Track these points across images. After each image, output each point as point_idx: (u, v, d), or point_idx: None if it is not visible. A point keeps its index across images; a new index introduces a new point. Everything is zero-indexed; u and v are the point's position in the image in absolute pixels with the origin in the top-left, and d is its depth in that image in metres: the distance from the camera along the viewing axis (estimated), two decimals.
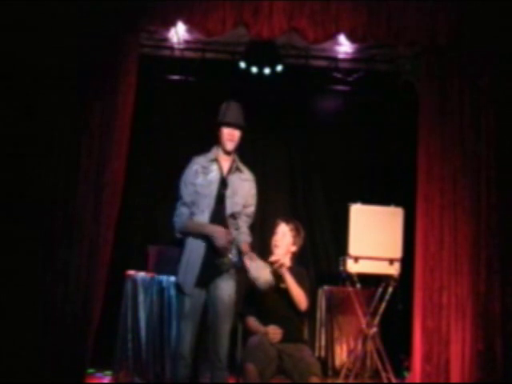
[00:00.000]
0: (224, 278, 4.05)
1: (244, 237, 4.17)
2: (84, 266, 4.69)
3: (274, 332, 4.12)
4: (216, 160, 4.15)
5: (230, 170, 4.16)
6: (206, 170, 4.10)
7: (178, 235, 4.11)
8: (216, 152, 4.18)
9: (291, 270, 4.36)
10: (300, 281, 4.29)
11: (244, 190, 4.18)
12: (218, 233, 3.97)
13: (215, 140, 4.25)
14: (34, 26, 4.76)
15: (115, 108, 4.86)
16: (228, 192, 4.09)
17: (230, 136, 4.14)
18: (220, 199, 4.08)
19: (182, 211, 4.08)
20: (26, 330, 4.53)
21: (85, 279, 4.69)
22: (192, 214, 4.07)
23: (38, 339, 4.54)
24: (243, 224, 4.20)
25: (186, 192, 4.08)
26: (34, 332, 4.54)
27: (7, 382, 4.40)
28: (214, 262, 4.02)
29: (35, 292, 4.58)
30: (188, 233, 4.06)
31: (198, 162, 4.14)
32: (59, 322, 4.60)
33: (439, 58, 5.07)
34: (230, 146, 4.15)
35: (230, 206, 4.09)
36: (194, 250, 4.02)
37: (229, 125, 4.12)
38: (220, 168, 4.13)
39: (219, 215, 4.06)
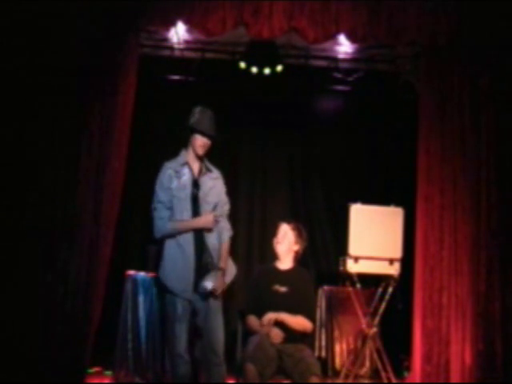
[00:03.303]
0: (210, 274, 4.09)
1: (225, 234, 4.23)
2: (84, 265, 4.69)
3: (276, 334, 4.11)
4: (187, 163, 4.22)
5: (201, 172, 4.24)
6: (178, 174, 4.18)
7: (159, 237, 4.16)
8: (186, 155, 4.25)
9: (294, 271, 4.36)
10: (306, 288, 4.33)
11: (216, 189, 4.27)
12: (207, 220, 4.10)
13: (184, 143, 4.29)
14: (34, 26, 4.76)
15: (115, 108, 4.86)
16: (201, 193, 4.18)
17: (203, 143, 4.22)
18: (194, 201, 4.16)
19: (164, 214, 4.13)
20: (26, 329, 4.52)
21: (85, 279, 4.68)
22: (170, 218, 4.12)
23: (38, 339, 4.54)
24: (222, 219, 4.26)
25: (164, 196, 4.15)
26: (34, 332, 4.54)
27: (7, 382, 4.40)
28: (202, 263, 4.06)
29: (35, 292, 4.58)
30: (175, 233, 4.10)
31: (170, 167, 4.21)
32: (59, 322, 4.60)
33: (439, 58, 5.08)
34: (202, 151, 4.23)
35: (203, 208, 4.17)
36: (181, 256, 4.06)
37: (204, 134, 4.20)
38: (191, 170, 4.21)
39: (195, 217, 4.14)
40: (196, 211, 4.15)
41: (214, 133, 4.23)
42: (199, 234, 4.12)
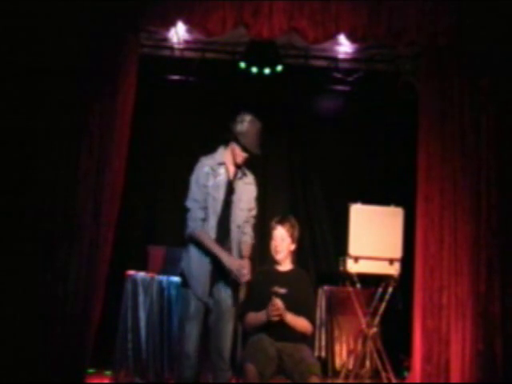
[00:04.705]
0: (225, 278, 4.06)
1: (247, 238, 4.18)
2: (84, 265, 4.69)
3: (274, 305, 4.07)
4: (224, 164, 4.10)
5: (236, 175, 4.14)
6: (214, 173, 4.05)
7: (188, 239, 4.05)
8: (224, 155, 4.13)
9: (293, 272, 4.35)
10: (306, 290, 4.30)
11: (248, 195, 4.18)
12: (233, 266, 3.94)
13: (222, 140, 4.17)
14: (34, 26, 4.76)
15: (115, 108, 4.86)
16: (234, 198, 4.08)
17: (244, 155, 4.09)
18: (226, 204, 4.06)
19: (197, 215, 3.99)
20: (26, 329, 4.52)
21: (85, 279, 4.69)
22: (205, 219, 4.01)
23: (38, 339, 4.54)
24: (247, 226, 4.21)
25: (200, 195, 4.01)
26: (34, 332, 4.54)
27: (7, 382, 4.40)
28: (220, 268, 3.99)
29: (35, 292, 4.58)
30: (200, 244, 4.00)
31: (207, 164, 4.07)
32: (59, 322, 4.60)
33: (439, 58, 5.08)
34: (241, 161, 4.11)
35: (235, 213, 4.08)
36: (204, 258, 4.01)
37: (246, 151, 4.06)
38: (227, 172, 4.10)
39: (225, 221, 4.05)
40: (227, 216, 4.05)
41: (258, 150, 4.09)
42: (220, 242, 4.03)
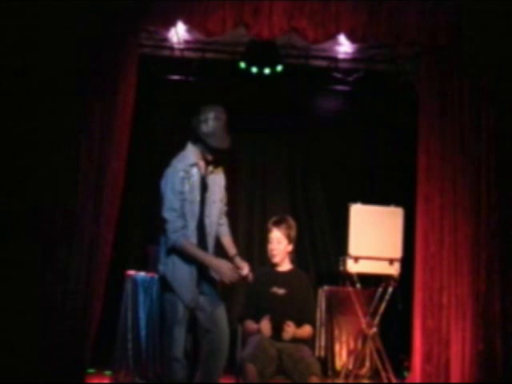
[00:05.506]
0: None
1: (225, 229, 4.13)
2: (84, 265, 4.70)
3: (265, 327, 4.08)
4: (196, 164, 3.96)
5: (207, 169, 4.03)
6: (188, 175, 3.92)
7: (170, 248, 3.90)
8: (194, 153, 3.98)
9: (292, 273, 4.34)
10: (306, 291, 4.29)
11: (218, 185, 4.08)
12: (223, 269, 3.82)
13: (189, 136, 4.03)
14: (34, 26, 4.76)
15: (115, 108, 4.87)
16: (207, 194, 3.99)
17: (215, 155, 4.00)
18: (202, 202, 3.96)
19: (177, 225, 3.85)
20: (26, 329, 4.53)
21: (85, 279, 4.69)
22: (184, 226, 3.88)
23: (38, 339, 4.55)
24: (222, 216, 4.13)
25: (176, 202, 3.87)
26: (34, 332, 4.54)
27: (7, 381, 4.40)
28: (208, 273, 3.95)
29: (35, 292, 4.58)
30: (185, 254, 3.88)
31: (181, 169, 3.92)
32: (59, 322, 4.61)
33: (439, 58, 5.08)
34: (211, 158, 4.00)
35: (208, 207, 3.98)
36: (189, 265, 3.90)
37: (216, 152, 3.95)
38: (199, 170, 3.98)
39: (202, 220, 3.97)
40: (201, 214, 3.95)
41: (228, 143, 3.94)
42: (202, 240, 3.97)
